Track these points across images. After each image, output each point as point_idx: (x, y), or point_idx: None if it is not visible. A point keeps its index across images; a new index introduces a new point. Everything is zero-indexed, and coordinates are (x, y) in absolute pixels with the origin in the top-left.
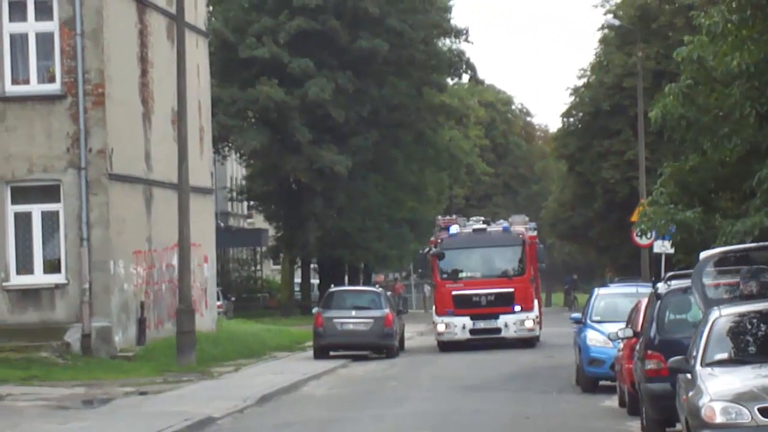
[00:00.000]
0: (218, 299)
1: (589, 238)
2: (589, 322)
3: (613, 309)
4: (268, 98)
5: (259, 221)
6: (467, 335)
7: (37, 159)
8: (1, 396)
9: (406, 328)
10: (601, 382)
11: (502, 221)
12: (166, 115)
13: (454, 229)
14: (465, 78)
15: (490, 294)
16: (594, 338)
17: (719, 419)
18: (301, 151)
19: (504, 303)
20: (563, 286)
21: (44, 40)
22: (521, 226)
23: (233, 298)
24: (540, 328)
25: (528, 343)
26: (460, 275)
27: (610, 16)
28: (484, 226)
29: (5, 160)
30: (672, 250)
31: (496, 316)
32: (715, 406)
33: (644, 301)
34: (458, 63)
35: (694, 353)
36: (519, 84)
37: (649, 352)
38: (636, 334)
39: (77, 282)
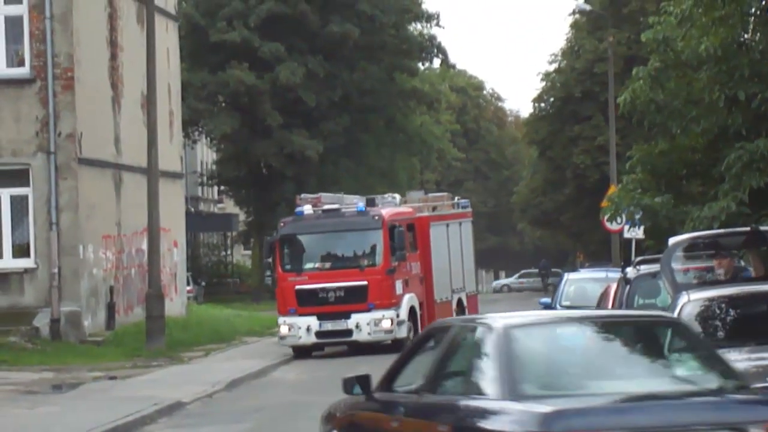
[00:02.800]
0: (188, 284)
1: (560, 223)
2: (558, 306)
3: (583, 294)
4: (238, 82)
5: (229, 206)
6: (312, 338)
7: (6, 143)
8: None
9: None
10: None
11: (360, 199)
12: (135, 99)
13: (305, 209)
14: (436, 63)
15: (339, 288)
16: None
17: None
18: (272, 136)
19: (356, 299)
20: (537, 270)
21: (13, 24)
22: (413, 204)
23: (203, 283)
24: (413, 330)
25: (394, 347)
26: (305, 267)
27: (581, 0)
28: (337, 206)
29: None
30: (642, 236)
31: (347, 315)
32: None
33: (613, 286)
34: (429, 47)
35: None
36: (490, 69)
37: None
38: None
39: (46, 266)
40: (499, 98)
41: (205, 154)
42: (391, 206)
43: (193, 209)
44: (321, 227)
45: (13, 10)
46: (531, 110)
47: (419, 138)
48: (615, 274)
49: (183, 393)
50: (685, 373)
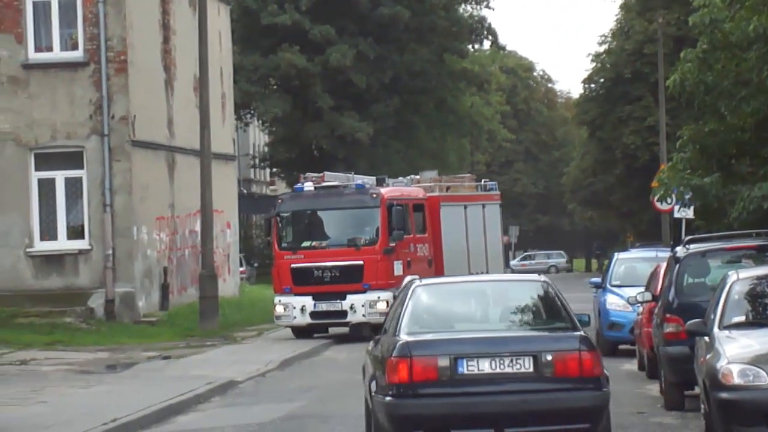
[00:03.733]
0: (241, 265)
1: (610, 203)
2: (608, 286)
3: (633, 273)
4: (289, 65)
5: (281, 188)
6: (307, 319)
7: (60, 126)
8: (25, 360)
9: None
10: (621, 346)
11: (362, 178)
12: (188, 82)
13: (305, 186)
14: (486, 44)
15: (334, 268)
16: (614, 302)
17: (736, 381)
18: (323, 118)
19: (351, 279)
20: (591, 251)
21: (67, 8)
22: (425, 183)
23: (256, 264)
24: None
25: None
26: (302, 244)
27: None
28: (336, 183)
29: (29, 127)
30: (692, 216)
31: (342, 296)
32: (733, 368)
33: (663, 266)
34: (479, 29)
35: (712, 316)
36: (541, 50)
37: (668, 315)
38: (655, 298)
39: (101, 248)
40: (549, 79)
41: (257, 137)
42: (401, 186)
43: (245, 191)
44: (318, 204)
45: None
46: (581, 91)
47: (469, 119)
48: (665, 254)
49: (236, 372)
50: (529, 319)
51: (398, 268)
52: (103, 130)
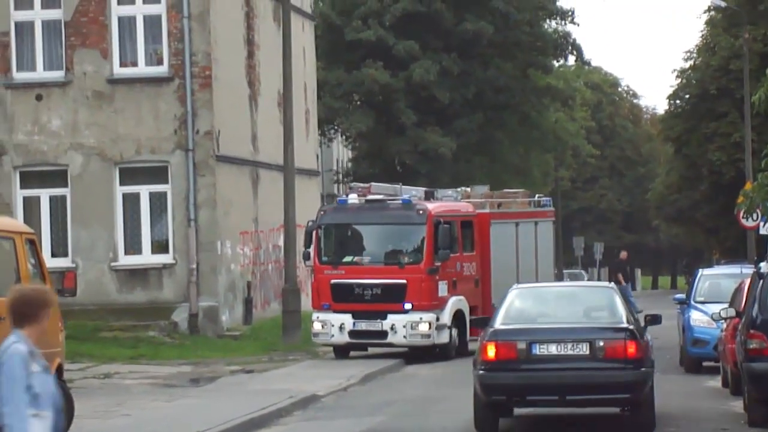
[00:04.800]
0: None
1: (695, 220)
2: (692, 302)
3: (717, 289)
4: (373, 81)
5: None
6: (345, 338)
7: (145, 140)
8: (109, 374)
9: None
10: (705, 363)
11: (410, 191)
12: (272, 97)
13: (350, 198)
14: (571, 60)
15: (376, 286)
16: (698, 319)
17: None
18: (406, 134)
19: (393, 299)
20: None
21: (152, 23)
22: (449, 200)
23: None
24: (456, 337)
25: (429, 353)
26: (343, 259)
27: None
28: (382, 196)
29: (114, 142)
30: None
31: (383, 316)
32: None
33: (747, 281)
34: (564, 45)
35: None
36: (626, 66)
37: (752, 331)
38: (738, 314)
39: (185, 262)
40: (634, 95)
41: (341, 152)
42: (450, 201)
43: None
44: (362, 218)
45: (152, 9)
46: (666, 107)
47: (553, 135)
48: (749, 270)
49: (318, 386)
50: (591, 315)
51: (443, 288)
52: (187, 144)
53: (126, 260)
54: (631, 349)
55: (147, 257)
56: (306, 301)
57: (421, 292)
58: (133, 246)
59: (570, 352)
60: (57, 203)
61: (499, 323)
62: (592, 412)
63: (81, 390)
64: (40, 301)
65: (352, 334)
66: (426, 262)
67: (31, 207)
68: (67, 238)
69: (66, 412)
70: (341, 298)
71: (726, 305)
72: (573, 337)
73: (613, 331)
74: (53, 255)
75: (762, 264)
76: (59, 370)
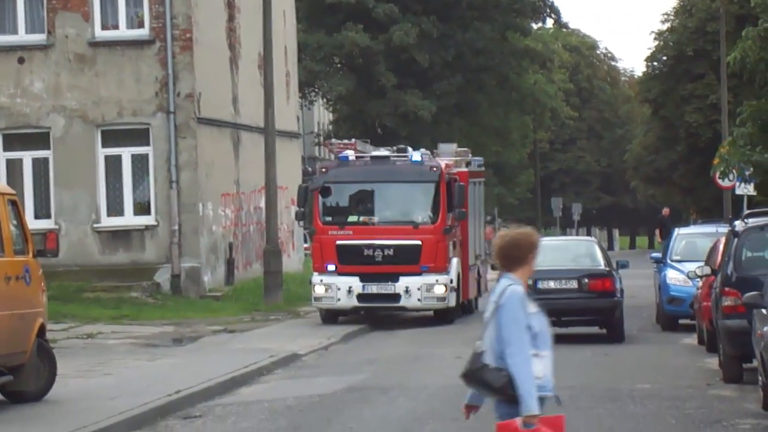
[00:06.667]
0: (305, 241)
1: (672, 181)
2: (669, 261)
3: (693, 248)
4: (353, 43)
5: None
6: (353, 302)
7: (126, 103)
8: (92, 334)
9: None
10: (681, 321)
11: (417, 151)
12: (252, 60)
13: (349, 154)
14: (549, 22)
15: (388, 247)
16: (674, 277)
17: None
18: (386, 96)
19: (407, 260)
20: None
21: None
22: (448, 158)
23: None
24: (464, 297)
25: (441, 317)
26: (349, 219)
27: None
28: (387, 153)
29: (95, 104)
30: (753, 192)
31: (395, 278)
32: None
33: (723, 240)
34: (542, 7)
35: None
36: (604, 28)
37: (726, 289)
38: (714, 272)
39: (167, 223)
40: (612, 57)
41: (322, 115)
42: (447, 157)
43: (310, 168)
44: (370, 176)
45: None
46: (644, 69)
47: (532, 97)
48: (725, 229)
49: (299, 345)
50: (578, 261)
51: (450, 249)
52: (169, 107)
53: (108, 222)
54: (608, 284)
55: (129, 219)
56: (287, 262)
57: (438, 254)
58: (115, 208)
59: (564, 287)
60: (39, 165)
61: None
62: (578, 330)
63: (64, 350)
64: (528, 243)
65: (361, 297)
66: (441, 221)
67: (14, 169)
68: (50, 200)
69: (48, 371)
70: (348, 260)
71: (702, 264)
72: (566, 276)
73: (594, 272)
74: (36, 217)
75: (737, 223)
76: (42, 330)
